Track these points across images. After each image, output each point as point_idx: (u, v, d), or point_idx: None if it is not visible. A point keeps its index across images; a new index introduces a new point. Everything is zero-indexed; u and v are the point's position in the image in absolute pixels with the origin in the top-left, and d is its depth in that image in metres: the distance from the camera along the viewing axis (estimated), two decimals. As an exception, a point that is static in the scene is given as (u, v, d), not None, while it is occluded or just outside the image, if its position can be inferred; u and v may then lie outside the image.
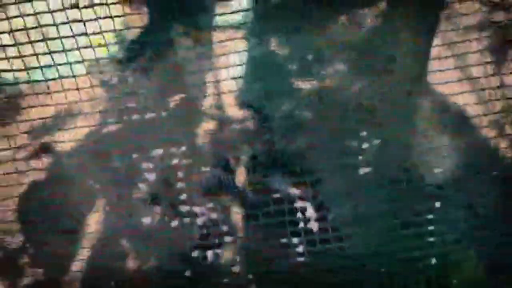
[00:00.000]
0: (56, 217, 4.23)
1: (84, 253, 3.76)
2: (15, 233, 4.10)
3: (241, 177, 4.23)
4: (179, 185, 4.18)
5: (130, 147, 4.75)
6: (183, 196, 4.02)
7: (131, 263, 3.61)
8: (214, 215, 4.00)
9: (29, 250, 4.01)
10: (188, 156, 4.54)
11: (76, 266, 3.74)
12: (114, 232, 3.82)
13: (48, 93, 6.00)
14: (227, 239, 3.98)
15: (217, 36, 6.02)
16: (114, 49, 6.78)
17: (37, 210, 4.27)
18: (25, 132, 5.31)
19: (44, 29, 6.70)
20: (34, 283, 3.79)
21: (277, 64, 4.99)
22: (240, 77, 5.13)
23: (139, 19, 6.87)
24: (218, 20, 6.13)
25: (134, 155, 4.61)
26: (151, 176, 4.34)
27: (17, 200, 4.36)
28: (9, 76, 6.24)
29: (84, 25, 6.35)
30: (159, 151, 4.59)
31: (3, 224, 4.18)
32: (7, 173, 4.65)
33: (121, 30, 6.85)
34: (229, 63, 5.56)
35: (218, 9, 6.09)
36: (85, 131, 5.13)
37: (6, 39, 6.14)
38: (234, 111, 4.82)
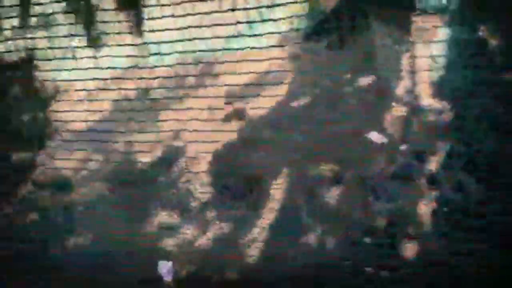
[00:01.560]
0: (240, 181, 4.52)
1: (264, 222, 3.93)
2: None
3: (433, 169, 3.91)
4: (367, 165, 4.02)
5: (314, 123, 4.82)
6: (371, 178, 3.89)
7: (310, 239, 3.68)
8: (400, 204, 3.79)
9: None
10: (377, 139, 4.39)
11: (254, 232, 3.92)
12: (294, 206, 3.92)
13: (241, 62, 6.39)
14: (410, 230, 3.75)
15: (417, 20, 5.61)
16: (306, 22, 6.85)
17: (226, 171, 4.64)
18: (219, 96, 5.77)
19: (241, -2, 7.05)
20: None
21: (483, 55, 4.43)
22: (439, 66, 4.73)
23: (334, -7, 6.80)
24: (420, 3, 5.67)
25: (318, 132, 4.66)
26: (336, 154, 4.30)
27: (210, 156, 4.81)
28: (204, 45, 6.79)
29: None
30: (344, 130, 4.53)
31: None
32: (203, 131, 5.14)
33: (316, 1, 6.88)
34: (428, 51, 5.15)
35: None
36: (273, 102, 5.37)
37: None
38: (429, 101, 4.48)
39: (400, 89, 4.65)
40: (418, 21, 5.35)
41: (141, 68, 6.85)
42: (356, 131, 4.34)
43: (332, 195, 3.83)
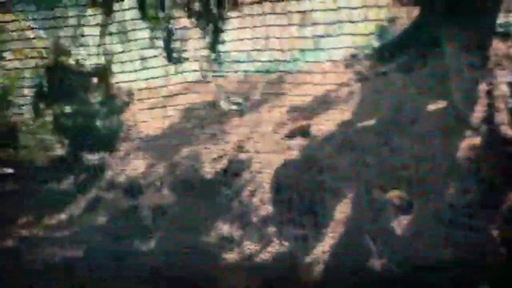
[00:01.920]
0: (303, 199, 4.51)
1: (326, 241, 3.90)
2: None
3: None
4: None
5: (381, 145, 4.72)
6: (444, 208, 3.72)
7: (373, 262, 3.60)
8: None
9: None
10: (443, 165, 4.22)
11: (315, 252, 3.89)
12: (359, 229, 3.86)
13: (308, 79, 6.42)
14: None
15: (495, 43, 5.37)
16: (375, 42, 6.77)
17: (289, 188, 4.65)
18: (285, 112, 5.82)
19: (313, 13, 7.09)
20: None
21: None
22: (518, 94, 4.49)
23: (406, 12, 6.68)
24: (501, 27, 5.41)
25: (386, 154, 4.57)
26: (402, 178, 4.18)
27: (273, 172, 4.84)
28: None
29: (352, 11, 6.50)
30: (415, 154, 4.39)
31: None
32: (268, 145, 5.19)
33: (387, 21, 6.79)
34: (507, 77, 4.90)
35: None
36: (338, 121, 5.34)
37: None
38: (509, 131, 4.26)
39: (475, 116, 4.47)
40: (497, 46, 5.15)
41: (207, 81, 7.11)
42: (428, 156, 4.20)
43: (400, 223, 3.73)
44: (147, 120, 6.27)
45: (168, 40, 3.95)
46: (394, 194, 3.86)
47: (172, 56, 3.96)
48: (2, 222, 5.16)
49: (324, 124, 5.27)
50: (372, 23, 6.98)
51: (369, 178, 4.31)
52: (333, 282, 3.66)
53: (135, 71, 7.06)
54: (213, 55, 4.03)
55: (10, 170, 5.12)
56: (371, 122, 5.01)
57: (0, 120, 5.45)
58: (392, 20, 6.87)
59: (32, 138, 5.48)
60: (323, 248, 3.89)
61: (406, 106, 5.19)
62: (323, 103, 5.67)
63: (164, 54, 5.52)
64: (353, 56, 6.50)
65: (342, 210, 4.12)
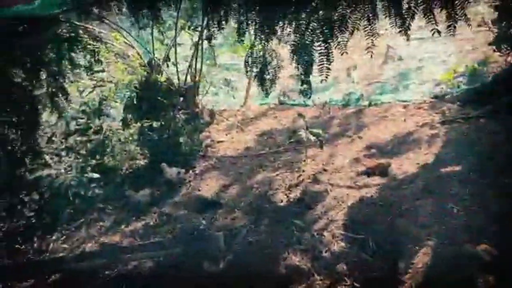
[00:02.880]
0: (376, 239, 4.36)
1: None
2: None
3: None
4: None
5: (467, 194, 4.47)
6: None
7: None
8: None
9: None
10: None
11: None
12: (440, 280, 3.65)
13: (390, 116, 6.29)
14: None
15: None
16: (463, 84, 6.54)
17: (359, 226, 4.53)
18: (364, 148, 5.72)
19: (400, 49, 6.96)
20: None
21: None
22: None
23: (500, 57, 6.39)
24: None
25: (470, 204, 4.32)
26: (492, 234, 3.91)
27: (344, 212, 4.75)
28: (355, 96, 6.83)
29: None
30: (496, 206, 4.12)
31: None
32: (341, 186, 5.12)
33: (479, 63, 6.52)
34: None
35: None
36: (420, 163, 5.16)
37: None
38: None
39: None
40: None
41: (282, 104, 7.19)
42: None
43: (486, 279, 3.49)
44: (224, 140, 6.46)
45: (262, 66, 4.04)
46: (481, 247, 3.63)
47: (263, 83, 4.04)
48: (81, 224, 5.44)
49: (404, 165, 5.13)
50: (462, 64, 6.78)
51: (452, 227, 4.10)
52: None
53: (216, 94, 7.38)
54: (303, 86, 4.05)
55: (96, 175, 5.43)
56: (456, 168, 4.81)
57: (92, 129, 5.81)
58: (484, 64, 6.63)
59: (119, 147, 5.80)
60: (397, 295, 3.72)
61: (494, 154, 4.94)
62: (404, 143, 5.53)
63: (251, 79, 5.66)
64: (439, 96, 6.32)
65: (422, 259, 3.93)
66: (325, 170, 5.38)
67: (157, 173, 5.75)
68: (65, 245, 5.13)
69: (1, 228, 5.50)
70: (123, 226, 5.20)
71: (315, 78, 4.12)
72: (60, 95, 4.44)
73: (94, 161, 5.67)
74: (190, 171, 5.88)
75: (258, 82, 4.02)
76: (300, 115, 5.62)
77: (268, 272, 4.24)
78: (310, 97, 4.33)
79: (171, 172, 5.71)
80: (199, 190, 5.55)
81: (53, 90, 4.33)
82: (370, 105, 6.63)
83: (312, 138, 5.20)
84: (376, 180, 5.03)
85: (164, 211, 5.27)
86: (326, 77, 3.69)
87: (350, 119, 6.39)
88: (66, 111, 5.12)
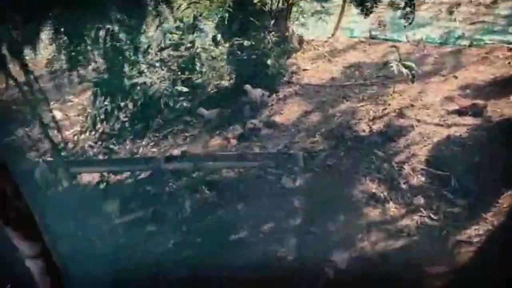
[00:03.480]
0: (460, 178, 4.22)
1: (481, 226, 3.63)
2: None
3: None
4: None
5: None
6: None
7: None
8: None
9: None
10: None
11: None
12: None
13: (492, 57, 5.82)
14: None
15: None
16: None
17: (443, 163, 4.39)
18: (457, 87, 5.41)
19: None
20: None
21: None
22: None
23: None
24: None
25: None
26: None
27: (429, 148, 4.61)
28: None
29: None
30: None
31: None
32: (428, 123, 4.93)
33: None
34: None
35: None
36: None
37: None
38: None
39: None
40: None
41: (372, 38, 6.87)
42: None
43: None
44: (310, 69, 6.40)
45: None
46: None
47: (364, 5, 3.86)
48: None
49: (502, 108, 4.80)
50: None
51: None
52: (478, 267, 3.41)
53: (306, 23, 7.20)
54: (406, 10, 3.82)
55: (185, 89, 5.67)
56: None
57: (185, 45, 5.97)
58: None
59: (208, 65, 5.97)
60: (476, 231, 3.64)
61: None
62: (505, 86, 5.13)
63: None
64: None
65: (507, 201, 3.77)
66: (412, 105, 5.20)
67: (242, 93, 5.89)
68: (154, 149, 5.54)
69: (98, 130, 6.03)
70: (206, 138, 5.48)
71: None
72: (164, 3, 4.56)
73: (184, 76, 5.90)
74: (274, 95, 5.95)
75: (359, 1, 3.86)
76: (395, 47, 5.38)
77: (342, 194, 4.32)
78: (411, 22, 4.10)
79: (255, 93, 5.81)
80: (280, 113, 5.63)
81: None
82: (471, 45, 6.15)
83: (404, 71, 4.99)
84: (468, 120, 4.78)
85: (244, 129, 5.44)
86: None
87: (446, 57, 6.01)
88: (167, 21, 5.29)
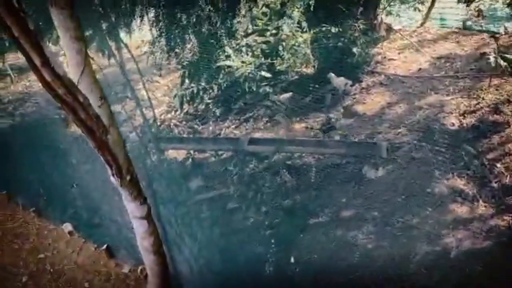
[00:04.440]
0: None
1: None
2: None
3: None
4: None
5: None
6: None
7: None
8: None
9: None
10: None
11: None
12: None
13: None
14: None
15: None
16: None
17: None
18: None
19: None
20: None
21: None
22: None
23: None
24: None
25: None
26: None
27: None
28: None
29: None
30: None
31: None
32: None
33: None
34: None
35: None
36: None
37: None
38: None
39: None
40: None
41: (466, 29, 6.50)
42: None
43: None
44: (396, 59, 6.22)
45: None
46: None
47: None
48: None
49: None
50: None
51: None
52: None
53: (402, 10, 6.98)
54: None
55: (268, 75, 5.77)
56: None
57: (270, 32, 6.05)
58: None
59: (293, 51, 6.00)
60: None
61: None
62: None
63: None
64: None
65: None
66: (509, 101, 4.88)
67: (325, 80, 5.87)
68: (235, 131, 5.72)
69: (184, 110, 6.33)
70: (288, 123, 5.55)
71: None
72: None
73: (267, 61, 6.00)
74: (357, 84, 5.86)
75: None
76: (494, 37, 5.06)
77: (426, 188, 4.19)
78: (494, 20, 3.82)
79: (338, 81, 5.77)
80: (363, 103, 5.55)
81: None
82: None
83: (503, 64, 4.69)
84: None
85: (326, 117, 5.44)
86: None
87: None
88: (255, 7, 5.40)
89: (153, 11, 4.43)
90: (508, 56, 4.74)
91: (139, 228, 2.56)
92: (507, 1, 3.83)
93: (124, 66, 5.96)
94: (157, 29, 4.81)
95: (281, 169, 4.78)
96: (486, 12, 6.47)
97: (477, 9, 6.01)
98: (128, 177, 2.37)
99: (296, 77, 6.31)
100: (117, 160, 2.27)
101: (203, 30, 5.15)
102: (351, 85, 5.85)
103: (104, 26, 5.49)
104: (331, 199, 4.31)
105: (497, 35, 5.58)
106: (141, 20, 4.74)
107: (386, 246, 3.69)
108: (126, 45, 5.21)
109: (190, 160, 5.30)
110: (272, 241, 4.02)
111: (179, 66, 6.02)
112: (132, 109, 6.16)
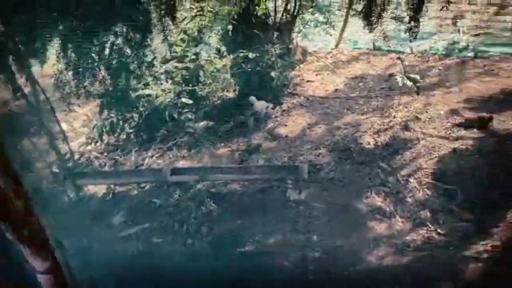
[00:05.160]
0: (467, 191, 4.22)
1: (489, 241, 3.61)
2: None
3: None
4: None
5: None
6: None
7: None
8: None
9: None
10: None
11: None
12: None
13: (495, 69, 5.84)
14: None
15: None
16: None
17: (449, 176, 4.39)
18: (464, 100, 5.42)
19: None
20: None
21: None
22: None
23: None
24: None
25: None
26: None
27: (434, 161, 4.60)
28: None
29: None
30: None
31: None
32: (433, 135, 4.93)
33: None
34: None
35: None
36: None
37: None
38: None
39: None
40: None
41: (376, 50, 6.89)
42: None
43: None
44: (314, 80, 6.43)
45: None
46: None
47: (370, 23, 3.88)
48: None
49: (509, 121, 4.80)
50: None
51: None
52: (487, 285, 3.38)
53: (309, 34, 7.24)
54: (411, 24, 3.84)
55: (190, 101, 5.69)
56: None
57: (189, 57, 6.01)
58: None
59: (212, 77, 5.99)
60: (484, 247, 3.61)
61: None
62: (510, 98, 5.14)
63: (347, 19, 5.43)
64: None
65: (516, 215, 3.75)
66: (417, 118, 5.20)
67: (246, 105, 5.91)
68: (159, 161, 5.55)
69: (104, 141, 6.05)
70: (211, 150, 5.49)
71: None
72: (167, 17, 4.61)
73: (188, 88, 5.93)
74: (278, 107, 5.96)
75: (364, 16, 3.88)
76: (399, 58, 5.40)
77: (348, 207, 4.30)
78: (416, 36, 4.12)
79: (259, 105, 5.83)
80: (285, 125, 5.64)
81: (162, 11, 4.50)
82: (476, 56, 6.17)
83: (409, 83, 5.00)
84: (474, 133, 4.78)
85: (249, 141, 5.45)
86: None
87: (451, 69, 6.03)
88: (171, 34, 5.33)
89: (60, 41, 4.21)
90: (412, 75, 5.07)
91: (44, 283, 2.33)
92: (407, 26, 4.10)
93: (38, 97, 5.61)
94: (65, 60, 4.58)
95: (205, 198, 4.69)
96: (393, 33, 6.90)
97: (383, 32, 6.38)
98: (26, 231, 2.15)
99: (219, 101, 6.30)
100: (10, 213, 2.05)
101: (118, 59, 4.97)
102: (272, 108, 5.93)
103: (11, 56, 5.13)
104: (257, 225, 4.29)
105: (402, 56, 5.98)
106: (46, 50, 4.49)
107: (311, 271, 3.71)
108: (33, 77, 4.89)
109: (111, 194, 5.05)
110: (199, 273, 3.91)
111: (96, 96, 5.76)
112: (47, 143, 5.79)
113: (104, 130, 5.84)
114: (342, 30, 6.94)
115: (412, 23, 3.89)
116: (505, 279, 3.28)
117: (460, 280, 3.42)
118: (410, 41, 4.82)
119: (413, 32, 4.01)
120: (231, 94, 6.31)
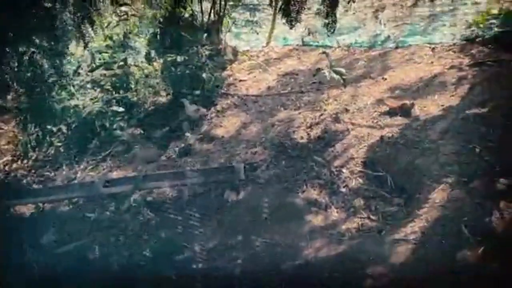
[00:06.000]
0: (395, 177, 4.42)
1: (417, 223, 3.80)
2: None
3: None
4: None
5: (492, 135, 4.39)
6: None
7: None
8: None
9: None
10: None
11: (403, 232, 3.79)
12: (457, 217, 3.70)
13: (416, 58, 6.14)
14: None
15: None
16: (496, 27, 6.25)
17: (379, 163, 4.58)
18: (388, 88, 5.64)
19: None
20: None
21: None
22: None
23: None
24: None
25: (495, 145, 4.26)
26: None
27: (368, 146, 4.78)
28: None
29: None
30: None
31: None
32: (362, 125, 5.10)
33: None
34: None
35: None
36: (445, 105, 5.08)
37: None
38: None
39: None
40: None
41: (305, 45, 7.04)
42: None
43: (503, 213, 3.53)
44: (246, 79, 6.45)
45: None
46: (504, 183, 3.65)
47: (290, 20, 3.95)
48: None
49: (429, 107, 5.06)
50: (496, 6, 6.47)
51: (474, 167, 4.09)
52: (418, 264, 3.54)
53: (239, 33, 7.28)
54: (328, 19, 3.95)
55: (121, 109, 5.53)
56: (482, 110, 4.72)
57: (117, 64, 5.83)
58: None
59: (143, 83, 5.86)
60: (412, 228, 3.79)
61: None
62: (430, 85, 5.41)
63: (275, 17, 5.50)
64: (470, 39, 6.09)
65: (439, 195, 3.96)
66: (346, 110, 5.36)
67: (179, 109, 5.83)
68: (92, 173, 5.34)
69: (31, 157, 5.74)
70: (146, 158, 5.36)
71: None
72: (87, 24, 4.44)
73: (118, 95, 5.76)
74: (212, 108, 5.93)
75: (283, 13, 3.94)
76: (325, 53, 5.55)
77: (285, 203, 4.36)
78: (334, 31, 4.24)
79: (192, 108, 5.77)
80: (220, 126, 5.62)
81: (80, 18, 4.33)
82: (397, 47, 6.46)
83: (336, 76, 5.14)
84: (398, 120, 4.99)
85: (184, 145, 5.38)
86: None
87: (375, 61, 6.27)
88: (92, 41, 5.14)
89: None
90: (338, 69, 5.21)
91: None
92: (324, 21, 4.21)
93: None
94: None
95: (142, 208, 4.58)
96: (319, 29, 7.05)
97: (307, 28, 6.54)
98: None
99: (152, 107, 6.16)
100: None
101: (35, 71, 4.71)
102: (207, 109, 5.88)
103: None
104: (195, 231, 4.24)
105: (329, 51, 6.14)
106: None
107: (251, 271, 3.72)
108: None
109: (40, 212, 4.81)
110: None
111: (16, 111, 5.45)
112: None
113: (29, 146, 5.55)
114: (271, 28, 7.02)
115: (329, 19, 3.99)
116: (431, 257, 3.47)
117: (391, 261, 3.56)
118: (328, 36, 4.97)
119: (330, 27, 4.13)
120: (163, 99, 6.19)
